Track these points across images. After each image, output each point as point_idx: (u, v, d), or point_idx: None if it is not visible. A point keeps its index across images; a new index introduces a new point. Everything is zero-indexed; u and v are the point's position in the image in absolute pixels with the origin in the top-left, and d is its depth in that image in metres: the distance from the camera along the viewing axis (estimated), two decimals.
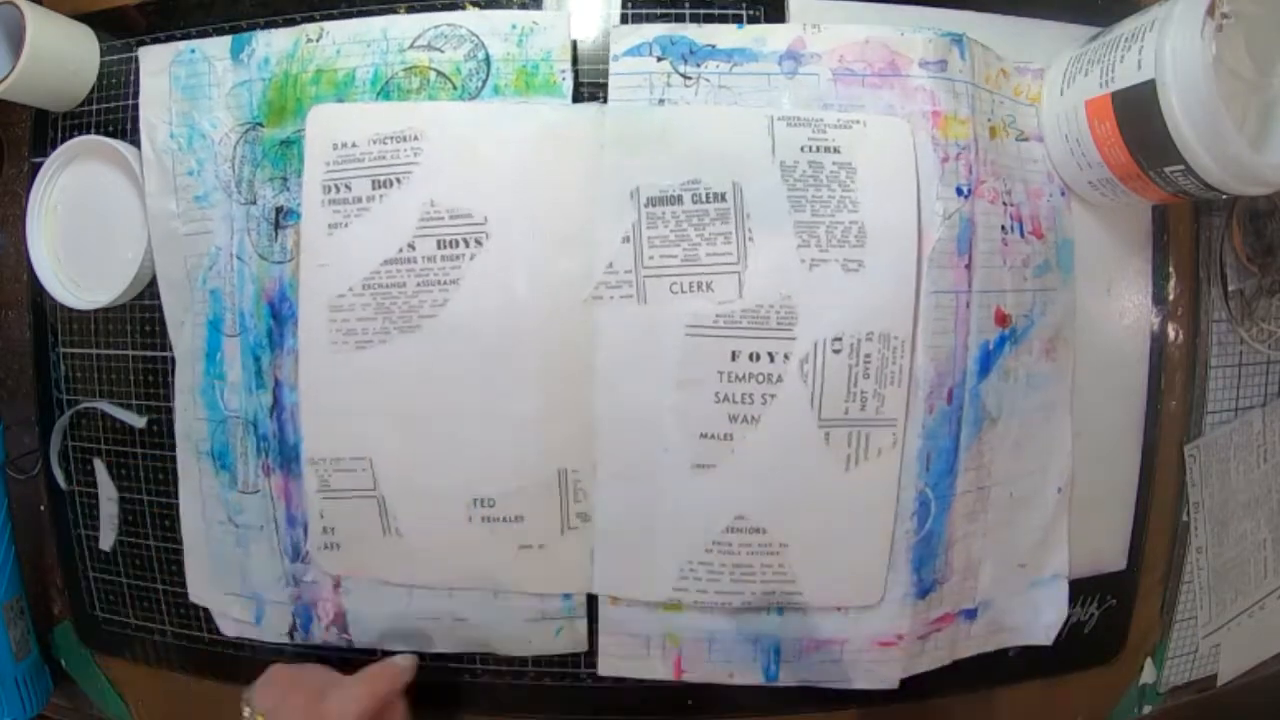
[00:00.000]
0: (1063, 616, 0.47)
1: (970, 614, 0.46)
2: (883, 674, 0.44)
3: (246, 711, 0.39)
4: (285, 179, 0.44)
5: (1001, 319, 0.43)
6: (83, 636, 0.53)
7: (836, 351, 0.41)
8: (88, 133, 0.49)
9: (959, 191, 0.42)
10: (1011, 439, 0.45)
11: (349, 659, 0.46)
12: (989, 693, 0.48)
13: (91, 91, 0.50)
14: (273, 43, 0.45)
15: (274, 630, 0.47)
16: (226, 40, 0.46)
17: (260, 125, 0.45)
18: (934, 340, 0.42)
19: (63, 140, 0.49)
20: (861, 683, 0.44)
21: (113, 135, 0.49)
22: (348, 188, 0.42)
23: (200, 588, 0.48)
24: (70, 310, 0.49)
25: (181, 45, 0.47)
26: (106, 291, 0.48)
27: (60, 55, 0.47)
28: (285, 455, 0.45)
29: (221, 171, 0.46)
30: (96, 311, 0.50)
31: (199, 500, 0.48)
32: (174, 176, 0.46)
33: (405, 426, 0.43)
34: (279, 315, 0.44)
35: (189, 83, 0.46)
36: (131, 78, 0.48)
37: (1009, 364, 0.44)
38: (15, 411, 0.53)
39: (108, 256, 0.49)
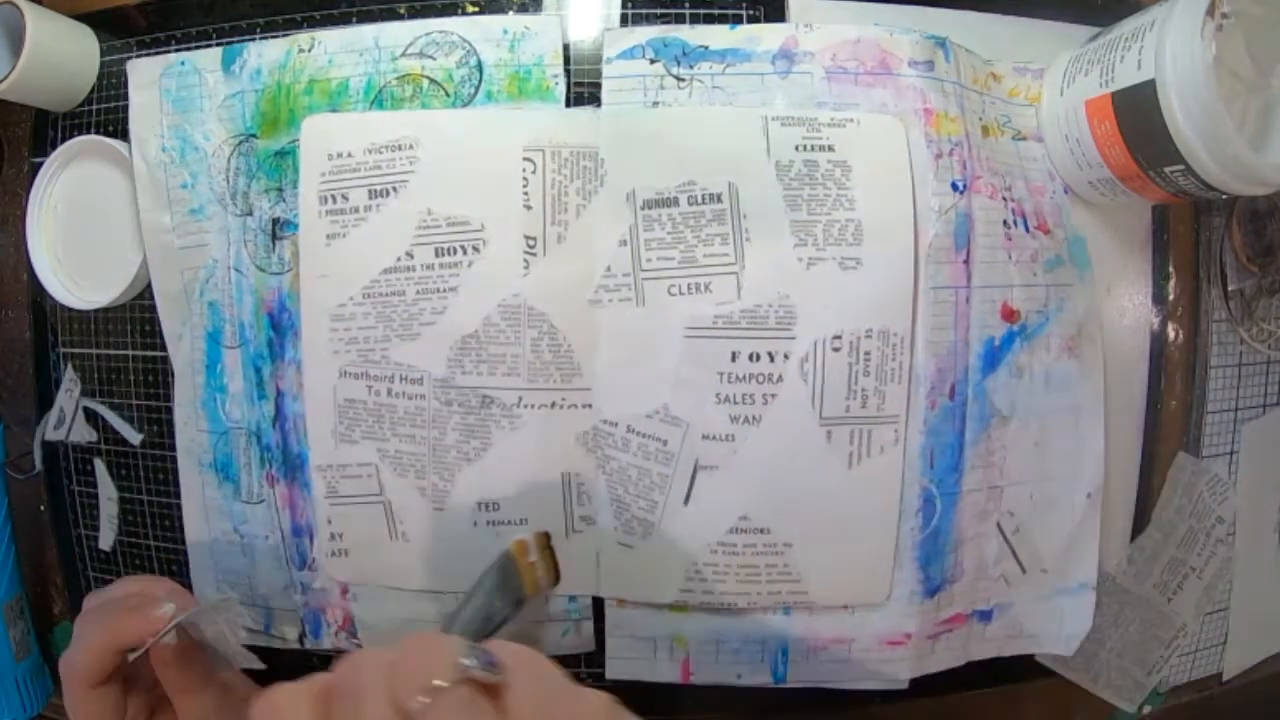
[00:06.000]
0: (1087, 627, 0.46)
1: (985, 615, 0.46)
2: (891, 673, 0.44)
3: None
4: (281, 190, 0.44)
5: (1009, 314, 0.43)
6: None
7: (836, 350, 0.41)
8: (88, 133, 0.49)
9: (954, 187, 0.42)
10: (1030, 439, 0.44)
11: None
12: (989, 693, 0.48)
13: (91, 91, 0.50)
14: (264, 53, 0.45)
15: (281, 638, 0.47)
16: (217, 52, 0.46)
17: (254, 136, 0.45)
18: (933, 336, 0.41)
19: (63, 140, 0.50)
20: (870, 683, 0.44)
21: (113, 135, 0.49)
22: (345, 198, 0.42)
23: (207, 598, 0.48)
24: (70, 310, 0.49)
25: (172, 57, 0.47)
26: (106, 291, 0.48)
27: (60, 55, 0.47)
28: (289, 465, 0.45)
29: (216, 184, 0.46)
30: (96, 311, 0.50)
31: (203, 513, 0.48)
32: (167, 190, 0.46)
33: (409, 433, 0.43)
34: (278, 326, 0.44)
35: (180, 95, 0.46)
36: None
37: (1021, 361, 0.44)
38: (15, 411, 0.53)
39: (108, 256, 0.49)
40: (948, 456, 0.42)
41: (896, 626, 0.43)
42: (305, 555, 0.46)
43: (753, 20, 0.44)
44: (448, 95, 0.43)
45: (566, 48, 0.44)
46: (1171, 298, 0.48)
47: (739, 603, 0.43)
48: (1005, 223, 0.43)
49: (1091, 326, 0.45)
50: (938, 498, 0.43)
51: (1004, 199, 0.43)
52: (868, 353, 0.41)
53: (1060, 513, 0.46)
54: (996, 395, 0.43)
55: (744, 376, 0.41)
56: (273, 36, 0.46)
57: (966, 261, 0.42)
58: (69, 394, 0.51)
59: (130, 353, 0.50)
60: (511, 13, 0.45)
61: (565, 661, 0.46)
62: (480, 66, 0.43)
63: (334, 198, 0.42)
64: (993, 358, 0.43)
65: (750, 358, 0.41)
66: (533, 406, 0.42)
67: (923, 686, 0.45)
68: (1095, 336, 0.45)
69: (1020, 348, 0.44)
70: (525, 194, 0.41)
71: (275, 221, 0.44)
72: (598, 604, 0.45)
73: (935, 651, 0.45)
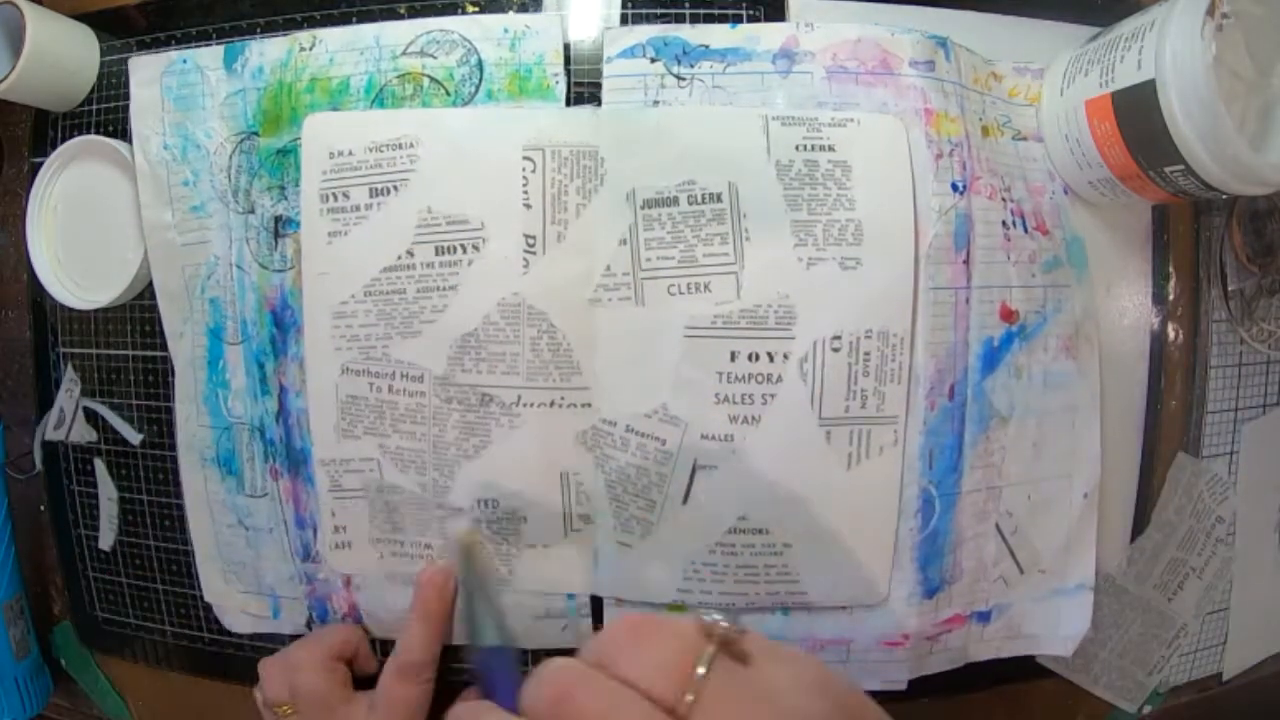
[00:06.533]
0: (1085, 628, 0.46)
1: (984, 616, 0.46)
2: (890, 675, 0.44)
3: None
4: (283, 188, 0.44)
5: (1008, 315, 0.43)
6: (83, 636, 0.53)
7: (836, 350, 0.40)
8: (88, 133, 0.49)
9: (954, 188, 0.42)
10: (1029, 440, 0.44)
11: None
12: (988, 693, 0.48)
13: (91, 91, 0.50)
14: (266, 51, 0.45)
15: (292, 623, 0.48)
16: (219, 50, 0.46)
17: (256, 134, 0.45)
18: (933, 337, 0.41)
19: (63, 140, 0.50)
20: (868, 684, 0.44)
21: (113, 135, 0.49)
22: (346, 196, 0.42)
23: (215, 588, 0.49)
24: (70, 310, 0.49)
25: (173, 55, 0.47)
26: (106, 291, 0.48)
27: (60, 55, 0.48)
28: (293, 459, 0.45)
29: (218, 181, 0.46)
30: (96, 311, 0.50)
31: (206, 507, 0.48)
32: (169, 187, 0.46)
33: (410, 429, 0.43)
34: (281, 323, 0.45)
35: (181, 93, 0.46)
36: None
37: (1019, 361, 0.44)
38: (15, 411, 0.53)
39: (108, 256, 0.49)
40: (947, 457, 0.42)
41: (896, 628, 0.43)
42: (309, 547, 0.46)
43: (753, 20, 0.44)
44: (448, 94, 0.43)
45: (567, 47, 0.44)
46: (1171, 298, 0.48)
47: (737, 603, 0.43)
48: (1004, 223, 0.43)
49: (1089, 327, 0.45)
50: (937, 498, 0.43)
51: (1003, 200, 0.43)
52: (867, 353, 0.41)
53: (1058, 513, 0.46)
54: (995, 396, 0.43)
55: (743, 376, 0.41)
56: (273, 36, 0.46)
57: (966, 262, 0.42)
58: (69, 394, 0.51)
59: (130, 352, 0.50)
60: (512, 12, 0.45)
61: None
62: (481, 65, 0.43)
63: (335, 196, 0.43)
64: (992, 358, 0.43)
65: (749, 358, 0.41)
66: (531, 405, 0.42)
67: (922, 688, 0.45)
68: (1092, 336, 0.45)
69: (1019, 348, 0.44)
70: (525, 193, 0.41)
71: (277, 219, 0.44)
72: (596, 603, 0.45)
73: (934, 653, 0.45)
